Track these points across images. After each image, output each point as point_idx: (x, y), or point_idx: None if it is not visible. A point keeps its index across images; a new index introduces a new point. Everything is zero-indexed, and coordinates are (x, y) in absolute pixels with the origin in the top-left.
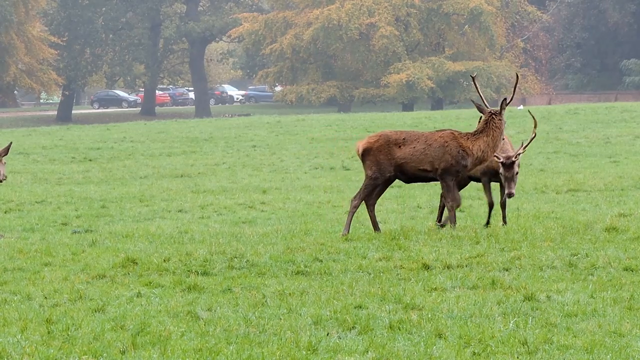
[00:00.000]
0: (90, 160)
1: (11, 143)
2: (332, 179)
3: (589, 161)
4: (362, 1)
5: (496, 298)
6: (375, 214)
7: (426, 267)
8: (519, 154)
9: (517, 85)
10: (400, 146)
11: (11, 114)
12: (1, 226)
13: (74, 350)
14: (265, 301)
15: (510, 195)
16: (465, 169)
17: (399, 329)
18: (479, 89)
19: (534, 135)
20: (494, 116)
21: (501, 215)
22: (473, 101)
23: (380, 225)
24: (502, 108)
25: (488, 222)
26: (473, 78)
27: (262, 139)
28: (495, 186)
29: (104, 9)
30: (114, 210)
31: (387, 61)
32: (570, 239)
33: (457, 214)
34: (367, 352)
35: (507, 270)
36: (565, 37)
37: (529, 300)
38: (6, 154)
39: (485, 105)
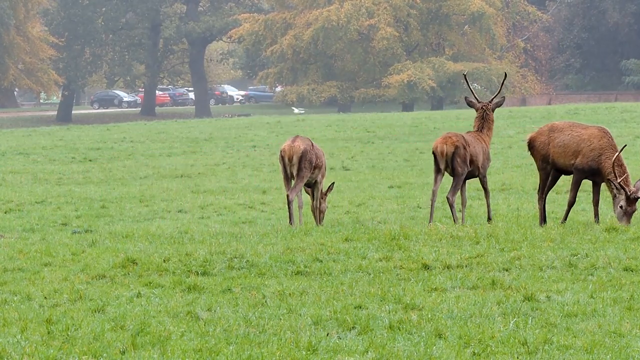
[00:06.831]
0: (90, 160)
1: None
2: (332, 179)
3: None
4: (362, 2)
5: (496, 298)
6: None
7: (426, 267)
8: None
9: (504, 84)
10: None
11: (11, 114)
12: (1, 226)
13: (74, 351)
14: (265, 301)
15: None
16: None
17: (399, 329)
18: (470, 85)
19: None
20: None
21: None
22: (466, 97)
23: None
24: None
25: (565, 219)
26: (465, 76)
27: (262, 139)
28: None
29: (104, 9)
30: (114, 211)
31: (387, 62)
32: (570, 239)
33: (457, 214)
34: (367, 352)
35: (507, 270)
36: (565, 37)
37: (529, 301)
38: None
39: (477, 99)
